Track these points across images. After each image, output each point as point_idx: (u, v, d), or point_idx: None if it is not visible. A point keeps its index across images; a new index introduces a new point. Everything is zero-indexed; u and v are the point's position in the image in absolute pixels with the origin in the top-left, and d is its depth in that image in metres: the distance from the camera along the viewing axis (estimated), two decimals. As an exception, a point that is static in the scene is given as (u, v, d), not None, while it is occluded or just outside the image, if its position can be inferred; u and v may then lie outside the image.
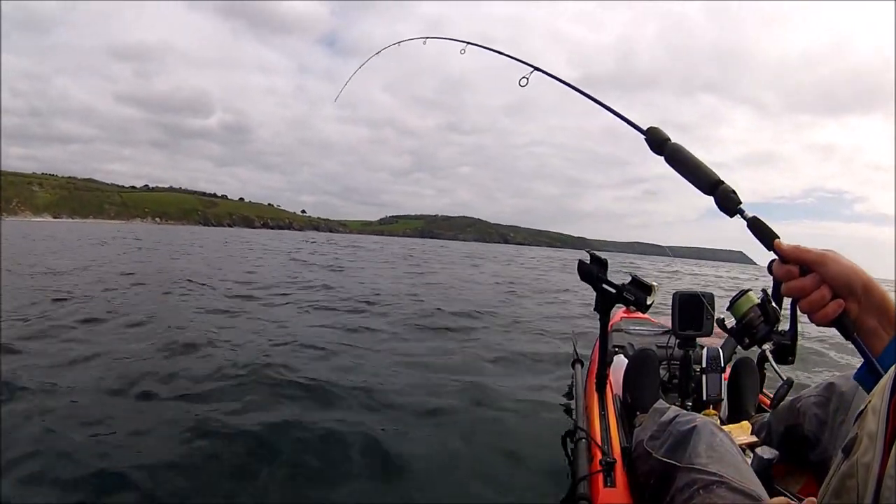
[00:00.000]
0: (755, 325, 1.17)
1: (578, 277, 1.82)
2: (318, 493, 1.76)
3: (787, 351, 1.22)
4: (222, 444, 2.00)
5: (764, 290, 1.24)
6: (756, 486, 0.99)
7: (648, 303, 1.74)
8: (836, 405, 1.30)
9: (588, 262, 1.82)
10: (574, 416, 2.06)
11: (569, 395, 2.85)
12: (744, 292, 1.19)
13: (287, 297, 6.25)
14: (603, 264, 1.81)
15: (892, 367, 0.59)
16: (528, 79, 1.55)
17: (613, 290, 1.77)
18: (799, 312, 0.76)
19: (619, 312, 3.13)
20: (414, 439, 2.19)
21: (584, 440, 1.60)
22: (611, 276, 1.80)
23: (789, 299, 0.77)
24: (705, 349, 1.84)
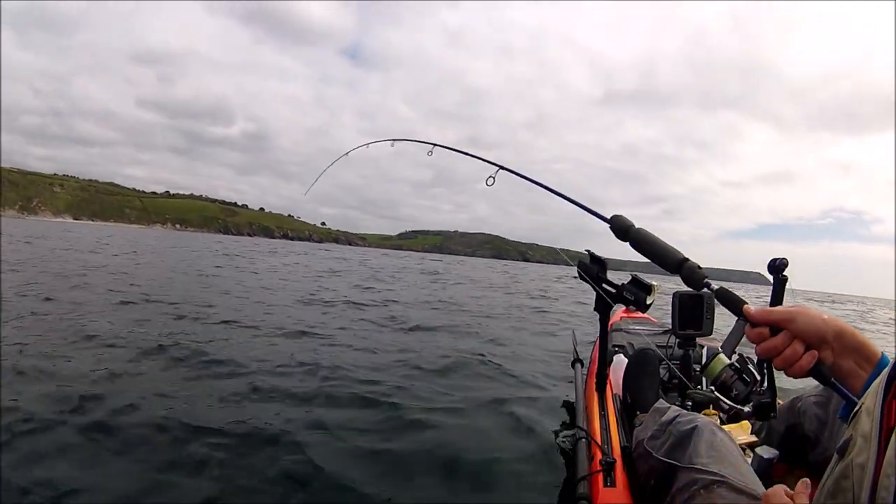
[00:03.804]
0: (730, 384, 1.23)
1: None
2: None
3: (767, 408, 1.27)
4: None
5: (740, 354, 1.30)
6: (756, 485, 0.99)
7: (648, 302, 1.74)
8: (837, 405, 1.30)
9: (588, 261, 1.82)
10: (574, 416, 2.06)
11: (569, 395, 2.85)
12: (714, 354, 1.26)
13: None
14: (602, 264, 1.80)
15: (886, 368, 0.59)
16: (494, 178, 1.66)
17: (613, 290, 1.77)
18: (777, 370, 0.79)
19: (619, 312, 3.13)
20: (412, 438, 2.19)
21: (584, 440, 1.60)
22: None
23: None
24: (705, 349, 1.85)
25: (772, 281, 1.31)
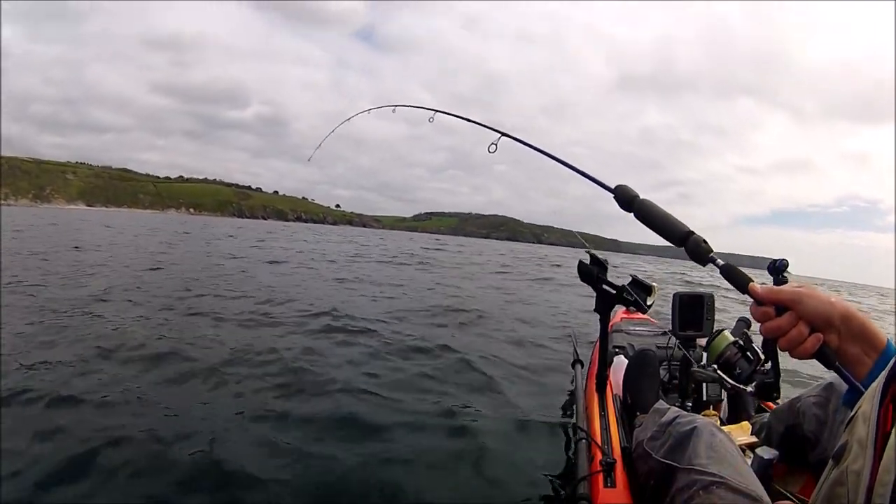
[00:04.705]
0: (733, 361, 1.21)
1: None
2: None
3: (770, 388, 1.26)
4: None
5: (745, 332, 1.29)
6: (756, 486, 0.99)
7: (648, 303, 1.74)
8: (836, 405, 1.30)
9: (588, 262, 1.82)
10: (574, 417, 2.06)
11: (569, 396, 2.85)
12: (719, 331, 1.24)
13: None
14: (602, 265, 1.81)
15: (882, 373, 0.58)
16: (496, 145, 1.61)
17: (613, 291, 1.77)
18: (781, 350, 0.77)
19: (619, 313, 3.13)
20: (413, 437, 2.19)
21: (584, 440, 1.60)
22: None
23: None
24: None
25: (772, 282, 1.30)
